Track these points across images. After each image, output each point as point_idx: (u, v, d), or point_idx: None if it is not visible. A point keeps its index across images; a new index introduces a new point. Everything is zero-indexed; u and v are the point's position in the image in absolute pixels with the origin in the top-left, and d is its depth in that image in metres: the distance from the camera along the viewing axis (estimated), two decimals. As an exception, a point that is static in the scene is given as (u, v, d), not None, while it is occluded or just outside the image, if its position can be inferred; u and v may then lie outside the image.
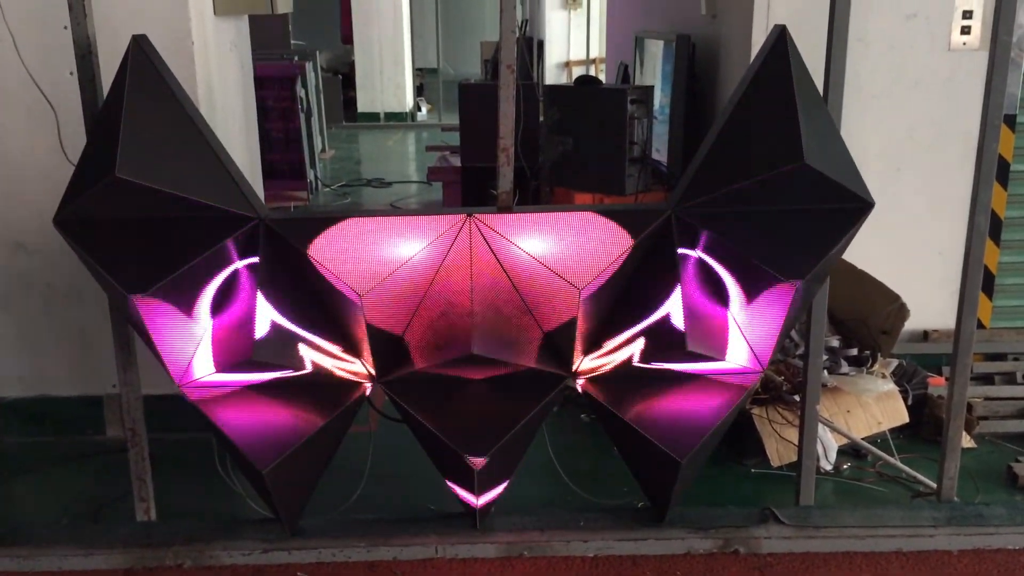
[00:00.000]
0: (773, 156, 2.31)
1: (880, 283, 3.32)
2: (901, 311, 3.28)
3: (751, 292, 2.47)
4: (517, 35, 2.41)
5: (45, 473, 3.20)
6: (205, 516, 2.82)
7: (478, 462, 2.44)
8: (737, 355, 2.55)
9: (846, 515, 2.78)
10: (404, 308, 2.51)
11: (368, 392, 2.60)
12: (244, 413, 2.51)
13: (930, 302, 3.44)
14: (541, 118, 4.61)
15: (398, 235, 2.44)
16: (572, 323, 2.48)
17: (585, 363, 2.59)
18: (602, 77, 8.38)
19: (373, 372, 2.55)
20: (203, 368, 2.49)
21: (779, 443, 3.11)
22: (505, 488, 2.68)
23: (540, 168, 4.48)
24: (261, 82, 5.64)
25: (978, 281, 2.67)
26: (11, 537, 2.68)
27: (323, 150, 9.00)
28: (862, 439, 3.16)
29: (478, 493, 2.58)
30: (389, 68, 12.41)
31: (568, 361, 2.56)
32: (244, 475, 2.70)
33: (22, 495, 3.11)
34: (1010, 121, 3.48)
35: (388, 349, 2.54)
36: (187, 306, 2.42)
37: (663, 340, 2.57)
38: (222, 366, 2.50)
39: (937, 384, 3.39)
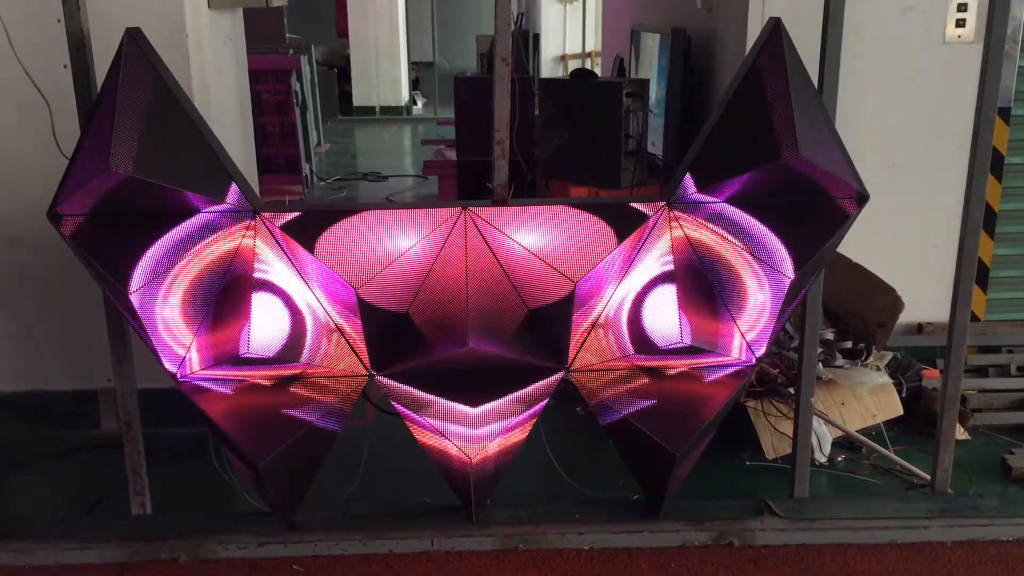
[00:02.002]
0: (768, 149, 2.31)
1: (875, 276, 3.32)
2: (896, 304, 3.28)
3: (746, 285, 2.47)
4: (513, 29, 2.41)
5: (40, 467, 3.20)
6: (201, 510, 2.82)
7: (472, 456, 2.45)
8: (732, 348, 2.55)
9: (840, 507, 2.79)
10: (399, 302, 2.51)
11: (364, 386, 2.59)
12: (239, 407, 2.51)
13: (925, 295, 3.44)
14: (537, 112, 4.60)
15: (394, 229, 2.44)
16: (568, 316, 2.48)
17: (580, 356, 2.59)
18: (598, 71, 8.37)
19: (369, 366, 2.55)
20: (198, 362, 2.49)
21: (774, 436, 3.11)
22: (500, 481, 2.69)
23: (536, 162, 4.48)
24: (256, 76, 5.64)
25: (972, 274, 2.67)
26: (7, 532, 2.67)
27: (319, 144, 8.99)
28: (856, 431, 3.17)
29: (473, 487, 2.58)
30: (385, 62, 12.38)
31: (563, 354, 2.56)
32: (239, 469, 2.70)
33: (17, 490, 3.11)
34: (1004, 114, 3.49)
35: (383, 343, 2.54)
36: (182, 299, 2.41)
37: (660, 334, 2.57)
38: (218, 360, 2.50)
39: (931, 377, 3.40)
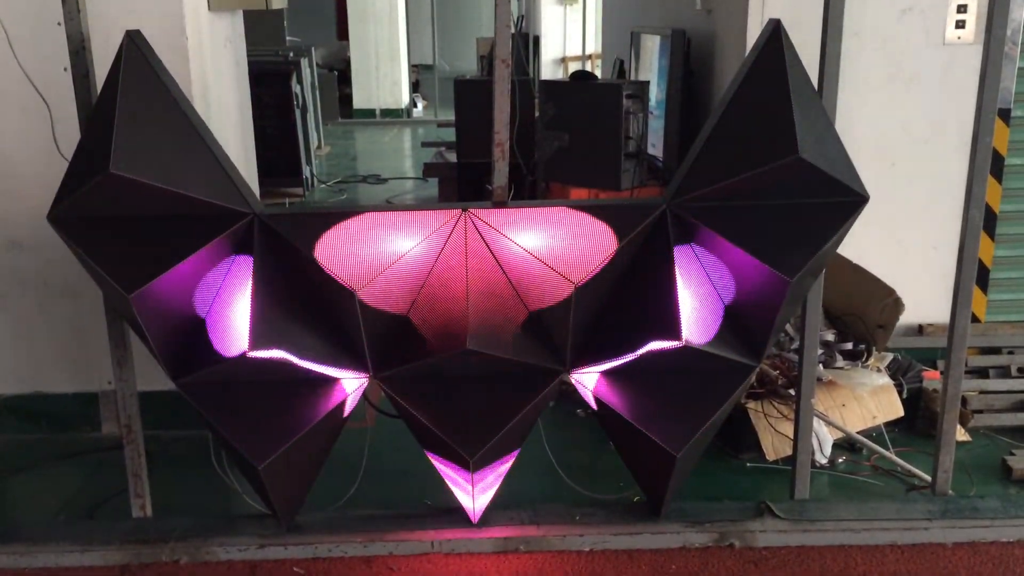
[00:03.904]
0: (768, 150, 2.31)
1: (875, 277, 3.32)
2: (896, 305, 3.28)
3: (746, 286, 2.47)
4: (512, 31, 2.41)
5: (41, 470, 3.20)
6: (201, 512, 2.82)
7: (473, 458, 2.45)
8: (732, 349, 2.55)
9: (841, 509, 2.79)
10: (399, 304, 2.51)
11: (364, 387, 2.60)
12: (240, 409, 2.51)
13: (925, 296, 3.45)
14: (537, 114, 4.61)
15: (394, 231, 2.44)
16: (567, 318, 2.48)
17: (581, 357, 2.59)
18: (598, 73, 8.38)
19: (369, 368, 2.55)
20: (198, 364, 2.49)
21: (774, 437, 3.11)
22: (501, 482, 2.69)
23: (536, 163, 4.48)
24: (256, 78, 5.63)
25: (972, 275, 2.67)
26: (7, 534, 2.67)
27: (319, 146, 8.99)
28: (857, 433, 3.17)
29: (474, 488, 2.59)
30: (385, 64, 12.40)
31: (563, 355, 2.56)
32: (240, 471, 2.71)
33: (18, 492, 3.11)
34: (1004, 115, 3.49)
35: (384, 345, 2.54)
36: (182, 302, 2.41)
37: (659, 334, 2.57)
38: (217, 362, 2.50)
39: (932, 378, 3.39)
